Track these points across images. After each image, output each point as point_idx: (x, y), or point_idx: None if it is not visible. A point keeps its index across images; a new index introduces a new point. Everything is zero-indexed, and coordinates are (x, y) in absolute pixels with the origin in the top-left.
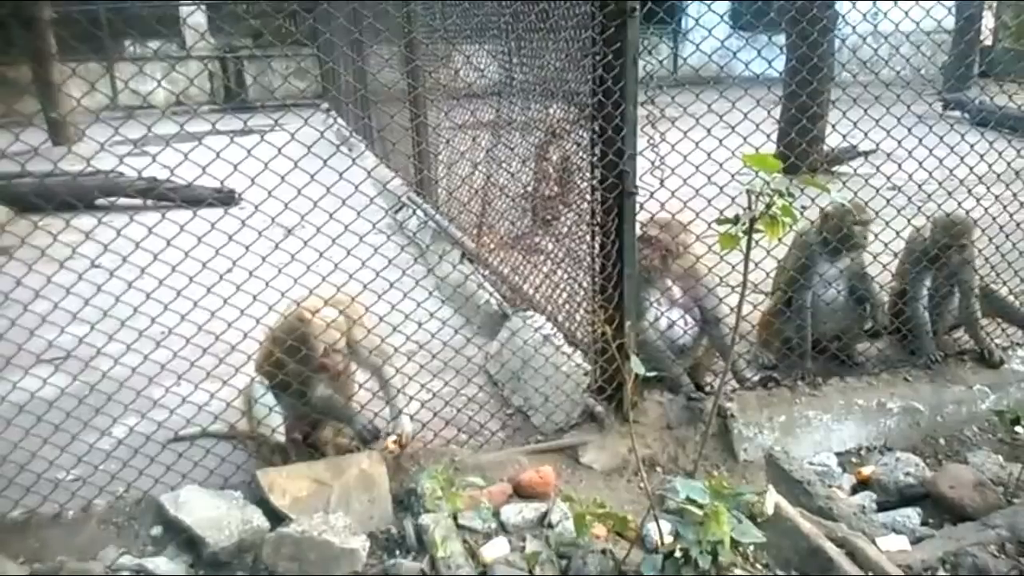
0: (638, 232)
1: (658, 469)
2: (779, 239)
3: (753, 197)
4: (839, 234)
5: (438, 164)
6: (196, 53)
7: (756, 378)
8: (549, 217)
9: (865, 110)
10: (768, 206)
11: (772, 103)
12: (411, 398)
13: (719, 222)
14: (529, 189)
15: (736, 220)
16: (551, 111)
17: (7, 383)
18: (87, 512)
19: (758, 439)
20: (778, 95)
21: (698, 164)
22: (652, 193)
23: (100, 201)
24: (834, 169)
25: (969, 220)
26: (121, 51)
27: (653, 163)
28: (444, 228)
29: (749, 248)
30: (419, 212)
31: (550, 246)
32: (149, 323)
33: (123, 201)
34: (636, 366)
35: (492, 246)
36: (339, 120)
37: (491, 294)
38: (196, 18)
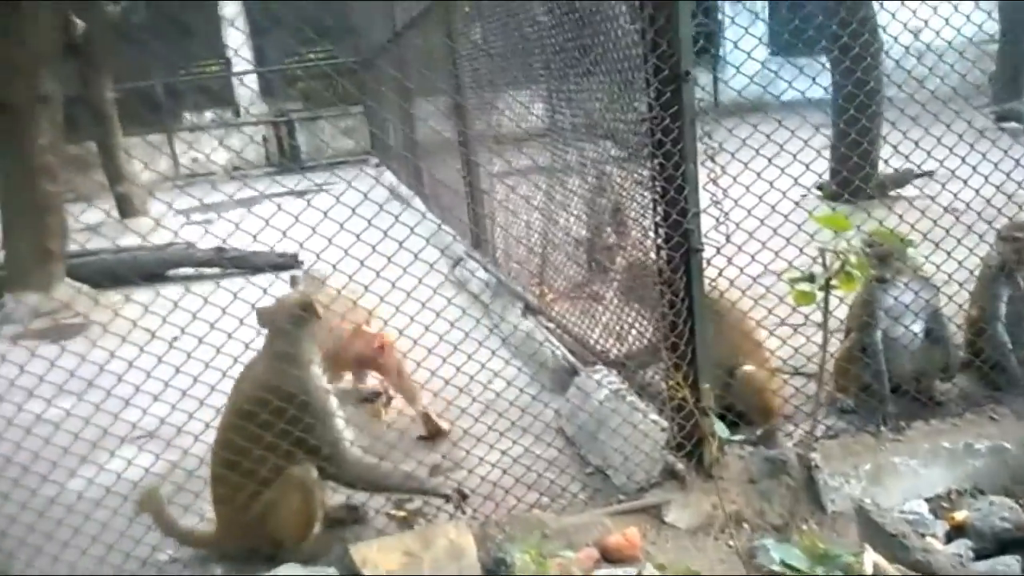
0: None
1: (745, 525)
2: None
3: (828, 255)
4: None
5: (493, 216)
6: (249, 119)
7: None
8: (606, 265)
9: (926, 129)
10: (843, 264)
11: (821, 124)
12: (480, 459)
13: (793, 280)
14: (585, 236)
15: (811, 278)
16: (604, 167)
17: (94, 466)
18: None
19: (845, 489)
20: (826, 112)
21: (760, 194)
22: (719, 249)
23: (171, 271)
24: (892, 193)
25: None
26: (179, 122)
27: (718, 219)
28: (503, 282)
29: (827, 306)
30: (477, 267)
31: (612, 298)
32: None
33: (191, 271)
34: (720, 430)
35: (552, 297)
36: (390, 175)
37: (556, 348)
38: (248, 88)
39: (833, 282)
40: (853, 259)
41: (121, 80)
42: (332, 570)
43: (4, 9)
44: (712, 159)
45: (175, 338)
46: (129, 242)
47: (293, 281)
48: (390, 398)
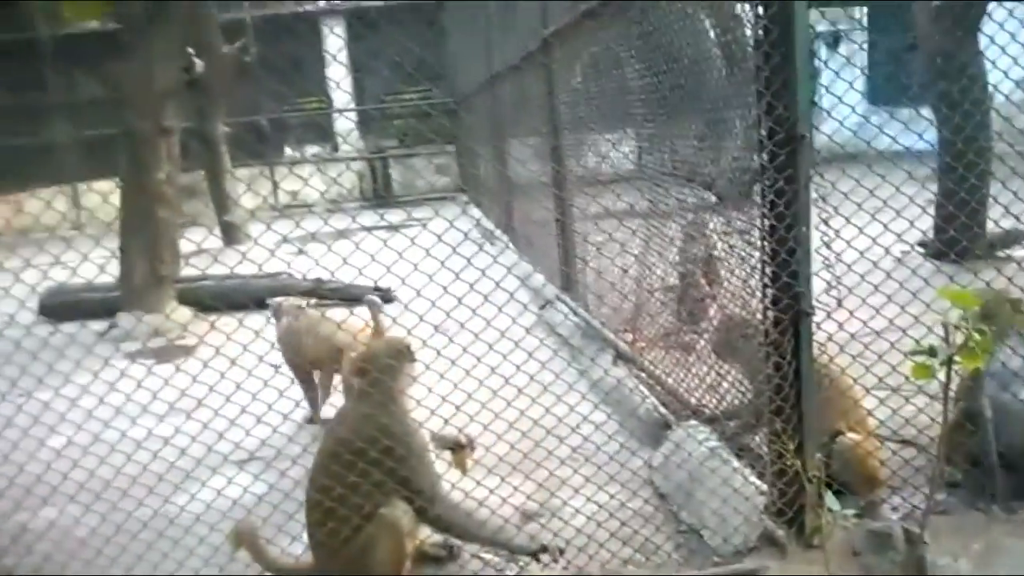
0: None
1: None
2: None
3: (951, 329)
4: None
5: (584, 258)
6: (346, 154)
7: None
8: (698, 315)
9: None
10: (967, 340)
11: (923, 178)
12: (576, 510)
13: (913, 353)
14: (676, 284)
15: (932, 351)
16: (699, 215)
17: (197, 482)
18: None
19: (952, 568)
20: (926, 165)
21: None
22: (829, 313)
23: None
24: (1000, 254)
25: None
26: (281, 155)
27: (829, 284)
28: (595, 328)
29: (948, 383)
30: (564, 309)
31: (706, 351)
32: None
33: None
34: (831, 501)
35: (644, 345)
36: (479, 214)
37: (645, 398)
38: (346, 124)
39: (955, 358)
40: (977, 336)
41: (232, 114)
42: None
43: (138, 50)
44: (826, 223)
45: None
46: (234, 269)
47: (273, 308)
48: (474, 448)
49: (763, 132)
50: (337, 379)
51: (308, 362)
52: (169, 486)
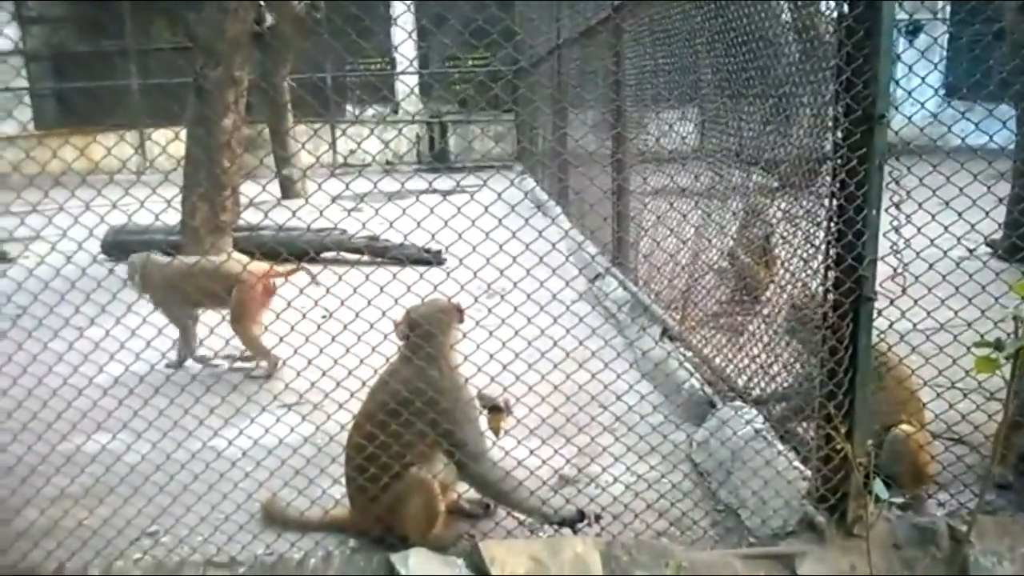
0: None
1: None
2: None
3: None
4: None
5: (639, 233)
6: (406, 117)
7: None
8: (754, 296)
9: None
10: None
11: (993, 177)
12: (615, 478)
13: (977, 345)
14: (733, 265)
15: (999, 345)
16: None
17: (259, 427)
18: (327, 562)
19: (996, 570)
20: (999, 171)
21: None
22: (892, 300)
23: (326, 253)
24: None
25: None
26: (342, 114)
27: (896, 270)
28: (644, 303)
29: (1013, 377)
30: (614, 282)
31: (759, 333)
32: (372, 373)
33: (346, 255)
34: (879, 489)
35: (694, 324)
36: (534, 186)
37: (692, 375)
38: (409, 85)
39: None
40: None
41: (296, 70)
42: (460, 562)
43: (212, 2)
44: (898, 207)
45: (335, 310)
46: (292, 224)
47: (131, 265)
48: (510, 412)
49: (839, 109)
50: (224, 311)
51: (194, 303)
52: (219, 420)
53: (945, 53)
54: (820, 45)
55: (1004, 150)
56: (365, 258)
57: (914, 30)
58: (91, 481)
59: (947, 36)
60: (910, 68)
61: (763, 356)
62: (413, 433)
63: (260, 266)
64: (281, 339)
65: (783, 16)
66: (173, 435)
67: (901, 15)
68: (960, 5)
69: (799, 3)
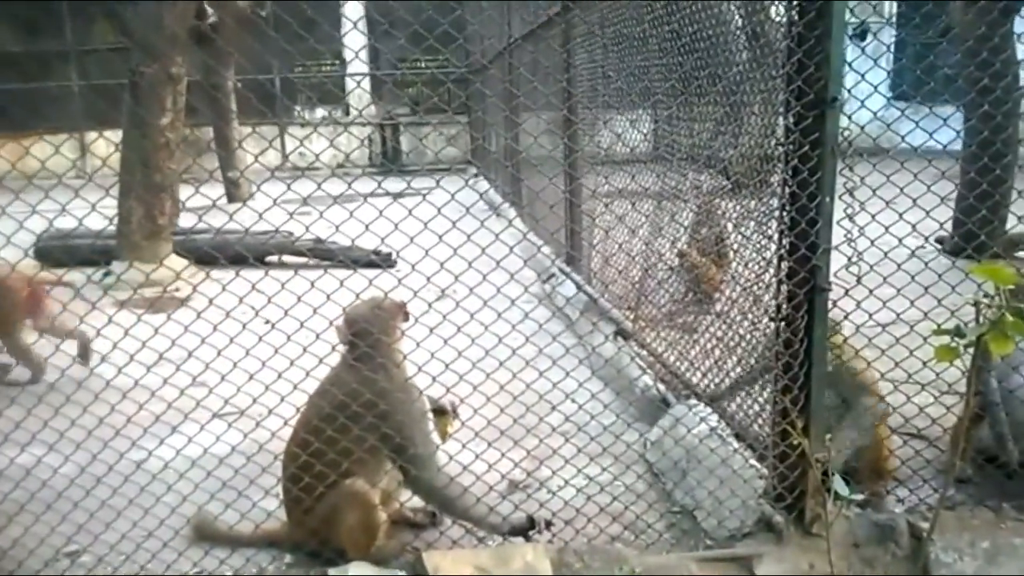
0: None
1: None
2: None
3: (982, 309)
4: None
5: (591, 234)
6: (358, 120)
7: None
8: (703, 296)
9: None
10: (998, 321)
11: (938, 177)
12: (566, 481)
13: (936, 332)
14: (685, 264)
15: (959, 332)
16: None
17: (183, 437)
18: None
19: (957, 566)
20: (941, 171)
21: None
22: (847, 291)
23: (270, 257)
24: (1020, 254)
25: None
26: (292, 117)
27: (850, 259)
28: (595, 300)
29: (975, 364)
30: (568, 284)
31: (716, 329)
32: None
33: (289, 258)
34: (839, 486)
35: (645, 324)
36: (487, 189)
37: (644, 372)
38: (359, 89)
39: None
40: (1011, 318)
41: (242, 71)
42: (402, 574)
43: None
44: (851, 193)
45: (279, 319)
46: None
47: None
48: (456, 415)
49: (792, 94)
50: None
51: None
52: (153, 439)
53: (892, 56)
54: (769, 47)
55: (945, 148)
56: (311, 262)
57: (862, 33)
58: (13, 507)
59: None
60: (862, 76)
61: (717, 352)
62: (351, 439)
63: (24, 272)
64: (219, 352)
65: (733, 20)
66: (88, 446)
67: (850, 19)
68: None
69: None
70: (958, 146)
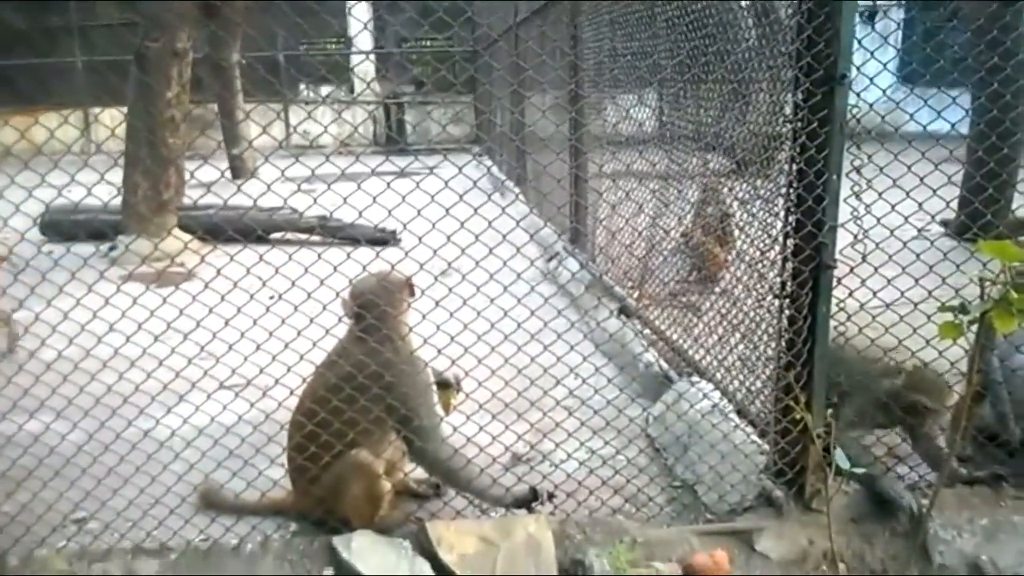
0: None
1: (841, 565)
2: None
3: (987, 286)
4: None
5: (595, 214)
6: (362, 99)
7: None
8: (708, 274)
9: None
10: (1004, 297)
11: (948, 157)
12: (569, 455)
13: (941, 309)
14: (689, 244)
15: (963, 309)
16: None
17: (190, 406)
18: (265, 547)
19: (956, 543)
20: (950, 149)
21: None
22: (852, 268)
23: (275, 233)
24: (1020, 239)
25: None
26: (295, 95)
27: (856, 236)
28: (598, 279)
29: (979, 342)
30: (572, 262)
31: (720, 307)
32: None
33: (293, 235)
34: (841, 459)
35: (648, 301)
36: (492, 166)
37: (646, 349)
38: (364, 67)
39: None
40: (1016, 295)
41: (248, 47)
42: (407, 544)
43: None
44: (858, 171)
45: (286, 290)
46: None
47: None
48: (460, 389)
49: (801, 70)
50: None
51: None
52: (145, 398)
53: (901, 37)
54: (779, 23)
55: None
56: (315, 238)
57: (871, 15)
58: (6, 464)
59: (903, 21)
60: (872, 54)
61: (720, 330)
62: (356, 410)
63: None
64: (227, 322)
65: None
66: (96, 414)
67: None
68: None
69: None
70: (964, 128)
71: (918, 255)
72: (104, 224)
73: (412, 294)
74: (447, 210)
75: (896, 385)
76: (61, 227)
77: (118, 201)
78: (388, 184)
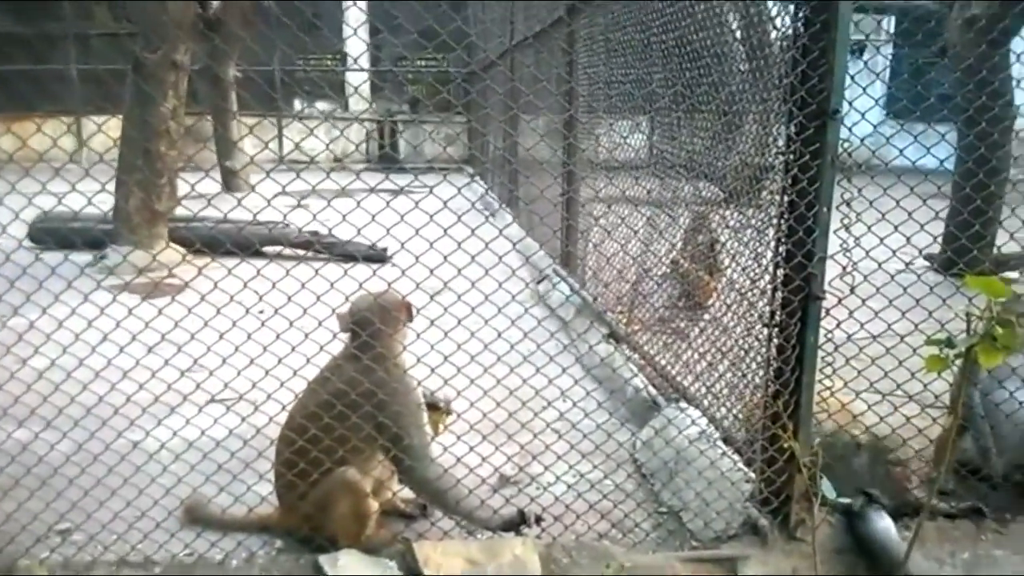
0: None
1: None
2: None
3: (973, 320)
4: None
5: (587, 238)
6: (356, 115)
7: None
8: (696, 302)
9: None
10: (988, 332)
11: (936, 193)
12: (557, 478)
13: (928, 343)
14: (679, 271)
15: (949, 342)
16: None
17: (181, 419)
18: (250, 563)
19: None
20: (938, 185)
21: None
22: (840, 300)
23: (268, 248)
24: (1003, 275)
25: None
26: (291, 109)
27: (844, 268)
28: (589, 303)
29: (964, 375)
30: (563, 286)
31: (709, 334)
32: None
33: (287, 250)
34: (827, 489)
35: (638, 327)
36: (485, 186)
37: (635, 374)
38: (360, 84)
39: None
40: (1000, 330)
41: (244, 61)
42: (392, 564)
43: None
44: (848, 204)
45: (282, 305)
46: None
47: None
48: (450, 412)
49: (795, 104)
50: None
51: None
52: (136, 409)
53: (888, 71)
54: (772, 58)
55: (942, 163)
56: (308, 254)
57: (859, 50)
58: (8, 482)
59: (891, 55)
60: (864, 90)
61: (709, 356)
62: (346, 427)
63: None
64: (221, 335)
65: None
66: (86, 424)
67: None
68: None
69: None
70: (951, 165)
71: (905, 288)
72: (94, 234)
73: (411, 317)
74: (445, 230)
75: None
76: (49, 236)
77: (110, 212)
78: (388, 203)
